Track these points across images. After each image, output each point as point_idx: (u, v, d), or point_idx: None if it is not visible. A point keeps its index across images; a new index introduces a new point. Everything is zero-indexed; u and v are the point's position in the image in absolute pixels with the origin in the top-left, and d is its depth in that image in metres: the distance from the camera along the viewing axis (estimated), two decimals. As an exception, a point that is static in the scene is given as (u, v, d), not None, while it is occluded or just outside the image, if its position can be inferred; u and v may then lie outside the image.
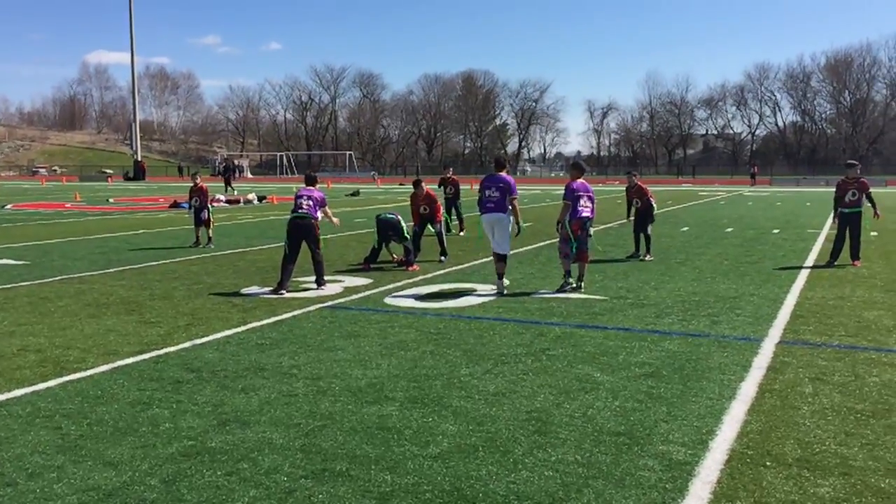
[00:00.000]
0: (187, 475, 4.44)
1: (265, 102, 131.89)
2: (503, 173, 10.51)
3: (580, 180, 10.58)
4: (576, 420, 5.34)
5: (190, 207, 17.01)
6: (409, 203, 14.67)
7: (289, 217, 10.86)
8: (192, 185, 17.17)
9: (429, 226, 14.33)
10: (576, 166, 10.95)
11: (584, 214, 10.45)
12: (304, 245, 10.70)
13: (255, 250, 15.67)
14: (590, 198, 10.55)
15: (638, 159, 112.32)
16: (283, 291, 10.31)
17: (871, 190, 13.33)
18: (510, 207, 10.33)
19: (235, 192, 39.09)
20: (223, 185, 44.55)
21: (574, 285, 10.46)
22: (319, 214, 10.84)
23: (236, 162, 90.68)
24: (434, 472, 4.47)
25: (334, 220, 11.52)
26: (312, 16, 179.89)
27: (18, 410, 5.62)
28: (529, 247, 15.78)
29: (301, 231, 10.61)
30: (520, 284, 11.09)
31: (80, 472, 4.50)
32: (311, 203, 10.67)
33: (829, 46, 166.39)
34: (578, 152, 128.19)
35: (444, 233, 14.43)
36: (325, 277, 10.83)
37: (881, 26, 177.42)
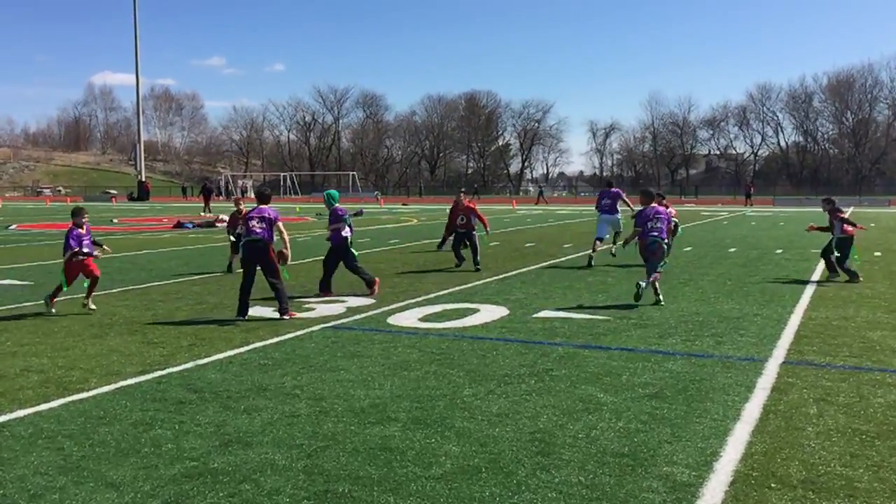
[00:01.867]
0: (189, 496, 4.43)
1: (269, 123, 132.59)
2: (613, 188, 16.71)
3: (652, 205, 11.66)
4: (579, 441, 5.32)
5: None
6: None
7: (242, 241, 10.32)
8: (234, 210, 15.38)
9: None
10: (645, 193, 11.96)
11: (653, 235, 11.37)
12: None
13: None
14: (658, 218, 11.49)
15: (640, 179, 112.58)
16: (242, 317, 9.97)
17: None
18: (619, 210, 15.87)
19: (211, 214, 38.35)
20: (202, 204, 44.38)
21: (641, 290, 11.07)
22: (275, 236, 10.13)
23: (233, 183, 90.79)
24: (437, 494, 4.45)
25: (286, 248, 10.35)
26: (316, 37, 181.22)
27: (21, 431, 5.61)
28: (532, 267, 15.77)
29: (253, 255, 10.08)
30: (522, 304, 11.09)
31: (82, 493, 4.49)
32: (263, 225, 10.03)
33: (830, 67, 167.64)
34: (581, 172, 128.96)
35: (478, 245, 15.38)
36: (329, 297, 10.79)
37: (882, 47, 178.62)
